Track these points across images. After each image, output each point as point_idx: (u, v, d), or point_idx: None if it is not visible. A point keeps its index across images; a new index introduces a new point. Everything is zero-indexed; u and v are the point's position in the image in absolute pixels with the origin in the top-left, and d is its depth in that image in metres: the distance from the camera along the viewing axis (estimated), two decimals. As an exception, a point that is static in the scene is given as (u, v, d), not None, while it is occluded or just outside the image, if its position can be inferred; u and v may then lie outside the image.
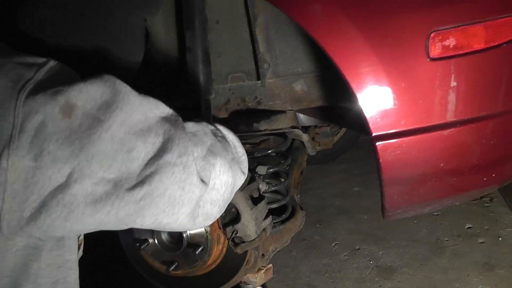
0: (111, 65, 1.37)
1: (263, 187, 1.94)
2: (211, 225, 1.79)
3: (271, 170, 2.08)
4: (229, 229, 1.76)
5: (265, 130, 2.10)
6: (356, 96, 1.44)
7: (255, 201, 1.81)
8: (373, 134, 1.45)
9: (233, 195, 1.38)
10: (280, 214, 2.25)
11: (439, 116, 1.48)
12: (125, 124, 1.04)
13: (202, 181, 1.20)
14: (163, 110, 1.17)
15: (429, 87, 1.46)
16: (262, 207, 1.82)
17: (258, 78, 2.08)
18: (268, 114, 2.13)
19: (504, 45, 1.46)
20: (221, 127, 1.42)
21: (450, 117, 1.48)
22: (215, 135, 1.34)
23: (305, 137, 2.24)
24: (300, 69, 2.02)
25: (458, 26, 1.43)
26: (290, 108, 2.13)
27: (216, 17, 2.05)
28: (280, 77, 2.06)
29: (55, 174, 0.92)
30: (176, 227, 1.22)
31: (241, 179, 1.39)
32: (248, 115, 2.16)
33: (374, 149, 1.47)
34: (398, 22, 1.43)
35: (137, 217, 1.07)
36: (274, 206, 2.07)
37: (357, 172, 4.12)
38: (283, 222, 2.19)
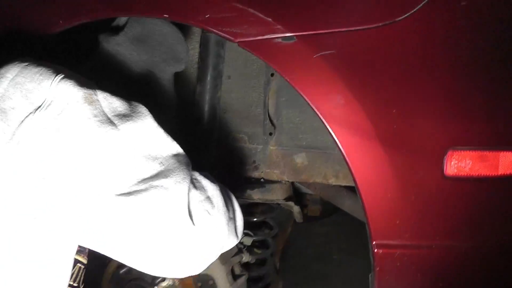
0: None
1: (246, 258, 1.85)
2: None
3: (256, 240, 2.01)
4: (203, 302, 1.66)
5: (258, 199, 2.02)
6: (361, 196, 1.37)
7: (235, 276, 1.72)
8: (374, 242, 1.37)
9: (217, 255, 1.30)
10: (257, 282, 2.17)
11: (444, 236, 1.41)
12: (135, 139, 1.11)
13: (191, 220, 1.14)
14: (177, 149, 1.21)
15: (440, 205, 1.39)
16: (242, 283, 1.73)
17: (260, 144, 2.01)
18: (263, 182, 2.05)
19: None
20: (226, 187, 1.40)
21: (455, 240, 1.41)
22: (219, 190, 1.30)
23: (296, 209, 2.17)
24: (304, 143, 1.96)
25: (476, 149, 1.37)
26: (287, 179, 2.05)
27: (229, 72, 1.99)
28: (283, 146, 2.00)
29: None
30: (148, 261, 1.16)
31: (233, 242, 1.33)
32: (243, 180, 2.08)
33: (372, 256, 1.39)
34: (419, 131, 1.36)
35: (112, 227, 1.07)
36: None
37: (340, 236, 4.02)
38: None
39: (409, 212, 1.38)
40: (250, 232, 1.91)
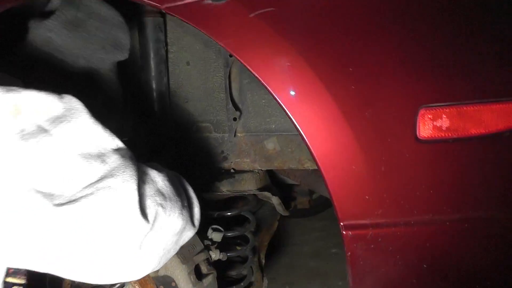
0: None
1: (216, 256, 1.68)
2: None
3: (230, 235, 1.84)
4: (166, 307, 1.50)
5: (227, 191, 1.86)
6: (322, 171, 1.20)
7: (201, 275, 1.56)
8: (342, 223, 1.20)
9: (177, 247, 1.24)
10: (238, 282, 2.01)
11: (424, 210, 1.23)
12: (70, 142, 1.03)
13: (145, 218, 1.05)
14: (117, 144, 1.12)
15: (414, 174, 1.22)
16: (209, 282, 1.56)
17: (226, 132, 1.86)
18: (234, 173, 1.89)
19: (507, 133, 1.21)
20: (179, 175, 1.33)
21: (437, 212, 1.23)
22: (169, 179, 1.21)
23: (274, 200, 2.00)
24: (273, 126, 1.80)
25: (453, 105, 1.19)
26: (259, 168, 1.89)
27: (187, 57, 1.83)
28: (251, 132, 1.84)
29: None
30: (102, 270, 1.07)
31: (190, 231, 1.26)
32: (213, 173, 1.92)
33: (342, 239, 1.22)
34: (383, 92, 1.19)
35: (57, 241, 0.98)
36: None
37: (336, 231, 3.83)
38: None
39: (380, 186, 1.21)
40: (220, 228, 1.74)
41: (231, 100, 1.79)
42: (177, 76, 1.87)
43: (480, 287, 1.31)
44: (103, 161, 1.05)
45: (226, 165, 1.91)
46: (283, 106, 1.18)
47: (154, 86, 1.76)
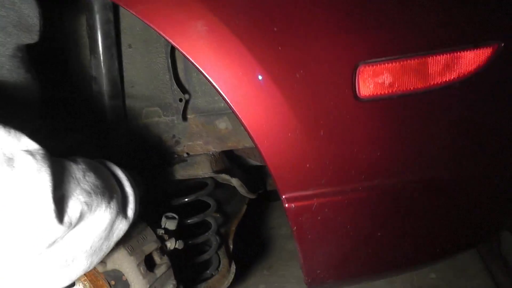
0: None
1: (171, 244, 1.60)
2: (99, 295, 1.45)
3: (189, 221, 1.77)
4: (119, 302, 1.42)
5: (181, 176, 1.78)
6: (255, 142, 1.12)
7: (154, 266, 1.48)
8: (284, 196, 1.12)
9: (111, 243, 1.18)
10: (204, 270, 1.94)
11: (370, 175, 1.16)
12: None
13: (61, 221, 0.98)
14: (27, 144, 1.00)
15: (355, 136, 1.14)
16: (163, 272, 1.48)
17: (175, 114, 1.77)
18: (186, 157, 1.81)
19: (457, 84, 1.14)
20: (110, 164, 1.28)
21: (386, 176, 1.16)
22: (94, 171, 1.13)
23: (235, 182, 1.93)
24: (222, 104, 1.72)
25: (394, 59, 1.12)
26: (214, 149, 1.81)
27: (128, 40, 1.74)
28: (201, 113, 1.76)
29: None
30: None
31: (123, 223, 1.20)
32: (164, 159, 1.84)
33: (286, 213, 1.15)
34: (314, 51, 1.11)
35: None
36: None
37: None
38: (206, 279, 1.88)
39: (321, 152, 1.13)
40: (173, 215, 1.66)
41: (176, 81, 1.70)
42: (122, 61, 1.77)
43: (439, 249, 1.25)
44: (10, 165, 0.95)
45: (179, 149, 1.83)
46: (206, 75, 1.09)
47: (104, 71, 1.66)
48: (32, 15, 1.26)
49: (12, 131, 0.98)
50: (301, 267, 1.31)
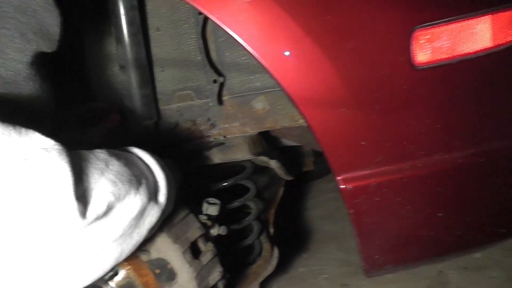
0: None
1: (214, 231, 1.55)
2: (144, 284, 1.41)
3: (229, 207, 1.71)
4: (165, 291, 1.37)
5: (220, 160, 1.72)
6: (312, 128, 1.04)
7: (199, 253, 1.43)
8: (339, 177, 1.05)
9: (143, 231, 1.14)
10: (246, 256, 1.88)
11: (429, 150, 1.07)
12: None
13: (83, 214, 0.93)
14: (39, 140, 0.94)
15: (413, 109, 1.06)
16: (209, 259, 1.43)
17: (209, 96, 1.71)
18: (223, 140, 1.75)
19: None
20: (136, 150, 1.24)
21: (447, 150, 1.07)
22: (118, 157, 1.09)
23: (273, 164, 1.86)
24: (258, 84, 1.65)
25: (453, 20, 1.02)
26: (251, 131, 1.74)
27: (156, 23, 1.68)
28: (236, 94, 1.70)
29: None
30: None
31: (154, 209, 1.16)
32: (200, 142, 1.78)
33: (342, 196, 1.07)
34: (366, 18, 1.03)
35: None
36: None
37: (348, 190, 3.71)
38: (248, 265, 1.83)
39: (377, 128, 1.05)
40: (214, 200, 1.60)
41: (209, 62, 1.63)
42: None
43: (506, 229, 1.17)
44: (25, 166, 0.90)
45: (215, 132, 1.77)
46: (250, 50, 1.02)
47: (131, 58, 1.61)
48: (53, 24, 1.20)
49: (23, 130, 0.93)
50: (358, 253, 1.24)
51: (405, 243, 1.21)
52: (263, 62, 1.03)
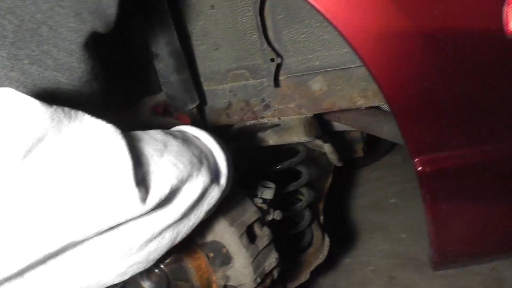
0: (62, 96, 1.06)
1: (270, 215, 1.49)
2: (197, 268, 1.36)
3: (281, 192, 1.65)
4: (219, 275, 1.32)
5: (274, 142, 1.66)
6: (388, 101, 0.97)
7: (255, 237, 1.37)
8: (416, 159, 0.97)
9: (200, 213, 1.08)
10: (297, 244, 1.82)
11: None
12: None
13: (143, 200, 0.89)
14: (90, 123, 0.91)
15: (504, 82, 0.96)
16: (265, 244, 1.37)
17: (265, 76, 1.64)
18: (278, 121, 1.68)
19: None
20: (190, 128, 1.21)
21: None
22: (175, 137, 1.05)
23: (327, 148, 1.79)
24: (317, 63, 1.58)
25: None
26: (307, 113, 1.67)
27: (210, 1, 1.62)
28: (293, 73, 1.63)
29: None
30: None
31: (215, 191, 1.11)
32: (254, 123, 1.72)
33: (418, 179, 0.99)
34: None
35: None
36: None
37: (393, 180, 3.61)
38: (299, 253, 1.77)
39: (461, 104, 0.96)
40: (269, 183, 1.54)
41: (266, 40, 1.56)
42: (202, 23, 1.65)
43: None
44: (81, 152, 0.88)
45: (269, 114, 1.71)
46: (330, 21, 0.94)
47: (165, 46, 1.55)
48: (110, 4, 1.12)
49: (73, 113, 0.89)
50: (430, 244, 1.15)
51: (485, 234, 1.12)
52: (343, 33, 0.95)
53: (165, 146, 1.00)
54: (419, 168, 1.00)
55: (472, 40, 0.93)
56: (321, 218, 2.04)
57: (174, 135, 1.07)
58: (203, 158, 1.07)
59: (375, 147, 3.25)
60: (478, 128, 0.98)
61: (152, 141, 0.99)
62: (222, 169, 1.15)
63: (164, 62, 1.57)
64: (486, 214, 1.07)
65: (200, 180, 1.02)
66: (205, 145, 1.16)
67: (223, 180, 1.14)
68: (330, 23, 0.99)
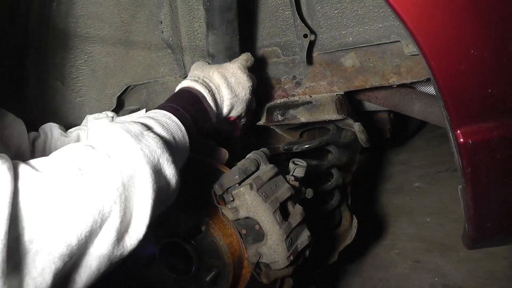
0: None
1: (303, 193, 1.47)
2: (229, 245, 1.36)
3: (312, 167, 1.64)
4: (252, 252, 1.31)
5: (306, 119, 1.64)
6: (431, 65, 0.94)
7: (288, 215, 1.36)
8: (459, 130, 0.94)
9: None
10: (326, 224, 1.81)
11: None
12: None
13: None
14: None
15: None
16: (298, 222, 1.36)
17: (297, 53, 1.62)
18: (310, 99, 1.66)
19: None
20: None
21: None
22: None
23: (357, 127, 1.76)
24: (350, 39, 1.55)
25: None
26: (338, 90, 1.65)
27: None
28: (325, 50, 1.60)
29: None
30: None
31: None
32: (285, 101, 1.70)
33: (458, 151, 0.97)
34: None
35: None
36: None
37: (417, 164, 3.58)
38: (328, 234, 1.76)
39: (508, 73, 0.93)
40: (301, 161, 1.52)
41: (299, 16, 1.54)
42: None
43: None
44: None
45: (300, 91, 1.69)
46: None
47: (224, 48, 1.52)
48: None
49: None
50: (467, 220, 1.12)
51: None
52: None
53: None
54: (461, 140, 0.97)
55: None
56: (349, 199, 2.02)
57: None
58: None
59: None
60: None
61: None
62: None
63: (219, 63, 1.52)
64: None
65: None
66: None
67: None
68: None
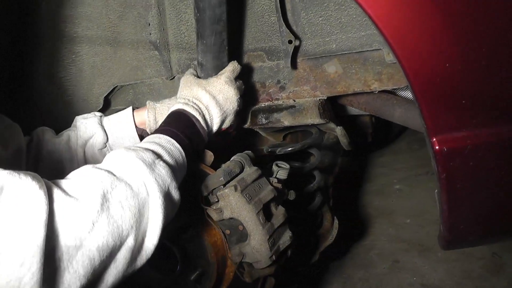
0: None
1: (286, 195, 1.52)
2: (213, 245, 1.39)
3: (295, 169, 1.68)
4: (235, 252, 1.35)
5: (289, 123, 1.68)
6: (412, 86, 0.99)
7: (271, 216, 1.40)
8: (434, 138, 1.00)
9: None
10: (307, 225, 1.86)
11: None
12: None
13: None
14: None
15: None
16: (281, 222, 1.40)
17: (281, 58, 1.66)
18: (293, 103, 1.70)
19: None
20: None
21: None
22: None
23: (339, 131, 1.81)
24: (334, 46, 1.59)
25: None
26: (321, 95, 1.69)
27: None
28: (309, 56, 1.64)
29: None
30: None
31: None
32: (269, 104, 1.74)
33: (435, 158, 1.02)
34: None
35: None
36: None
37: (398, 166, 3.65)
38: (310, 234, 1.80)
39: (480, 85, 0.99)
40: (284, 164, 1.57)
41: (285, 22, 1.58)
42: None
43: None
44: None
45: (284, 95, 1.73)
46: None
47: (212, 59, 1.55)
48: None
49: None
50: (442, 222, 1.18)
51: (496, 213, 1.15)
52: (370, 14, 0.97)
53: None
54: (436, 147, 1.02)
55: (494, 23, 0.96)
56: (331, 201, 2.06)
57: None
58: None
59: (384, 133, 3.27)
60: (496, 109, 1.01)
61: None
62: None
63: (207, 72, 1.58)
64: (499, 194, 1.10)
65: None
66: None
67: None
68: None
